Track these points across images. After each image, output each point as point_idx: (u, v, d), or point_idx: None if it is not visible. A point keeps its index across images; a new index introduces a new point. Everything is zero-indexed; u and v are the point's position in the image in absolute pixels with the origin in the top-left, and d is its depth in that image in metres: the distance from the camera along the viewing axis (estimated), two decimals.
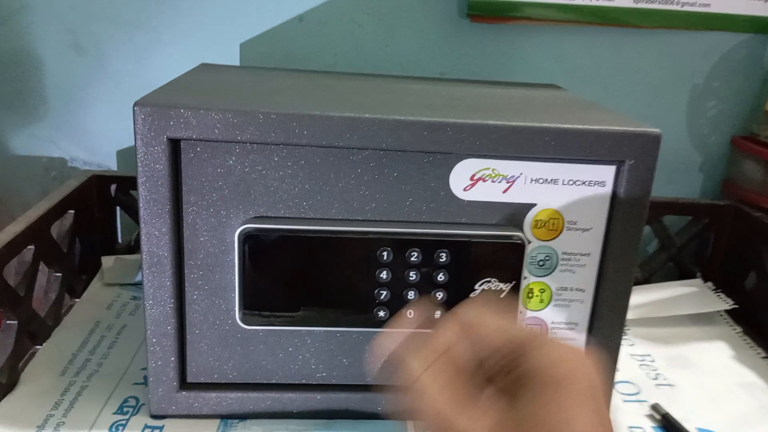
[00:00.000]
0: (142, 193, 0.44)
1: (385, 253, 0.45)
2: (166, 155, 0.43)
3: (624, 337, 0.67)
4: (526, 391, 0.31)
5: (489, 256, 0.46)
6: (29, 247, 0.55)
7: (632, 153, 0.45)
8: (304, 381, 0.50)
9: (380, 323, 0.47)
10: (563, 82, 0.72)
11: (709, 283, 0.75)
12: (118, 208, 0.74)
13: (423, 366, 0.34)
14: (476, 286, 0.46)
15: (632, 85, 0.77)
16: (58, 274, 0.62)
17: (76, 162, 0.77)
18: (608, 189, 0.47)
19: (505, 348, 0.34)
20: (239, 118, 0.42)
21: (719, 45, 0.76)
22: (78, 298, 0.66)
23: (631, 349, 0.65)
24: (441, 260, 0.45)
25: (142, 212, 0.44)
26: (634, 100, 0.77)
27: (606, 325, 0.49)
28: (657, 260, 0.78)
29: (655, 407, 0.55)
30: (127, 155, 0.76)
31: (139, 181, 0.44)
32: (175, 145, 0.44)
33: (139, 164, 0.43)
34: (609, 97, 0.76)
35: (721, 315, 0.72)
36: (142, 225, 0.45)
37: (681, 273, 0.78)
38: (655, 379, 0.60)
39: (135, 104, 0.42)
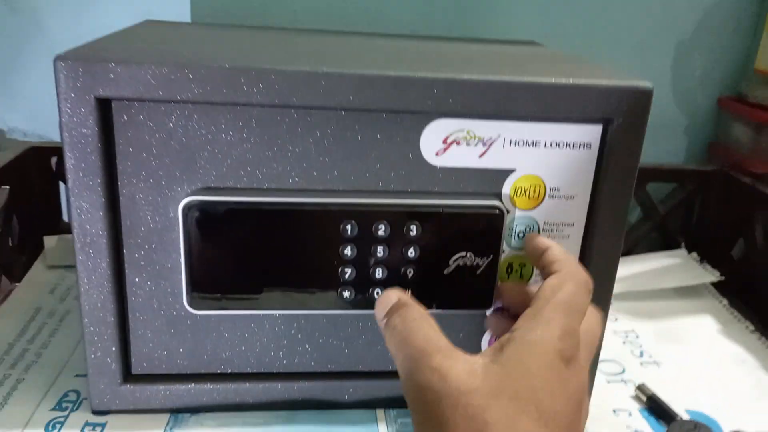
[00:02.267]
0: (69, 162, 0.38)
1: (349, 227, 0.40)
2: (95, 117, 0.37)
3: None
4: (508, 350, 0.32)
5: (464, 228, 0.41)
6: None
7: (621, 111, 0.41)
8: (262, 369, 0.46)
9: (345, 304, 0.42)
10: (543, 39, 0.68)
11: (694, 254, 0.72)
12: (60, 182, 0.68)
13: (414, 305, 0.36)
14: (450, 262, 0.42)
15: (615, 42, 0.72)
16: None
17: (15, 133, 0.70)
18: (594, 152, 0.43)
19: None
20: (178, 72, 0.37)
21: None
22: (17, 282, 0.61)
23: (614, 325, 0.62)
24: (411, 234, 0.41)
25: (70, 184, 0.39)
26: (617, 57, 0.73)
27: (591, 301, 0.45)
28: (640, 230, 0.74)
29: (641, 388, 0.51)
30: None
31: (65, 148, 0.38)
32: (105, 105, 0.38)
33: (64, 128, 0.38)
34: (590, 55, 0.72)
35: (706, 287, 0.69)
36: (72, 199, 0.39)
37: (665, 243, 0.75)
38: (640, 356, 0.57)
39: (56, 58, 0.36)
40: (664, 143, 0.77)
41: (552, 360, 0.31)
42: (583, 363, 0.33)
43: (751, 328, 0.62)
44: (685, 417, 0.49)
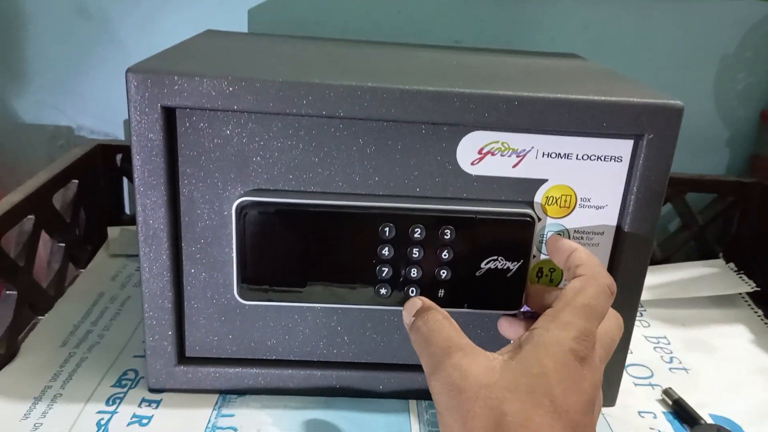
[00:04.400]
0: (136, 163, 0.42)
1: (387, 229, 0.43)
2: (161, 124, 0.41)
3: (639, 317, 0.65)
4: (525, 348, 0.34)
5: (496, 234, 0.44)
6: (29, 216, 0.54)
7: (652, 127, 0.43)
8: (304, 357, 0.49)
9: (382, 300, 0.45)
10: (585, 52, 0.69)
11: (731, 264, 0.72)
12: (124, 178, 0.73)
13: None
14: (482, 265, 0.44)
15: (658, 56, 0.73)
16: (61, 245, 0.61)
17: (83, 131, 0.76)
18: (625, 165, 0.44)
19: None
20: (235, 85, 0.41)
21: (751, 14, 0.72)
22: (83, 268, 0.66)
23: (645, 331, 0.63)
24: (446, 237, 0.43)
25: (136, 183, 0.43)
26: (660, 72, 0.74)
27: (619, 306, 0.47)
28: (678, 239, 0.75)
29: (667, 392, 0.53)
30: None
31: (133, 150, 0.42)
32: (170, 113, 0.42)
33: (133, 133, 0.42)
34: (633, 69, 0.73)
35: (742, 297, 0.69)
36: (138, 196, 0.43)
37: (703, 253, 0.76)
38: (670, 362, 0.58)
39: (128, 70, 0.40)
40: (706, 155, 0.77)
41: (567, 359, 0.33)
42: (598, 363, 0.35)
43: None
44: (709, 422, 0.50)
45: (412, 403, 0.50)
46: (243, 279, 0.44)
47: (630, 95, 0.43)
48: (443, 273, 0.44)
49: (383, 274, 0.44)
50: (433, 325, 0.37)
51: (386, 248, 0.44)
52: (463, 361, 0.34)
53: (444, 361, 0.34)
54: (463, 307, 0.45)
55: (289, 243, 0.44)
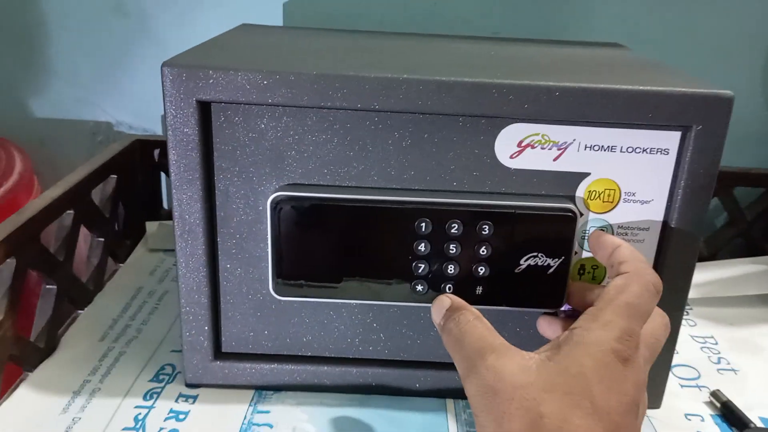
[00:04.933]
0: (172, 158, 0.42)
1: (423, 225, 0.42)
2: (196, 118, 0.41)
3: (685, 317, 0.63)
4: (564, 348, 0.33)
5: (536, 229, 0.43)
6: (68, 211, 0.55)
7: (700, 118, 0.41)
8: (339, 354, 0.49)
9: (418, 297, 0.44)
10: (631, 42, 0.67)
11: None
12: (162, 173, 0.73)
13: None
14: (521, 261, 0.43)
15: (701, 48, 0.70)
16: (100, 239, 0.61)
17: (122, 126, 0.76)
18: (672, 158, 0.43)
19: None
20: (270, 79, 0.40)
21: None
22: (121, 263, 0.67)
23: (692, 330, 0.61)
24: (484, 233, 0.42)
25: (172, 178, 0.43)
26: (703, 64, 0.71)
27: (665, 305, 0.45)
28: (725, 235, 0.73)
29: (715, 394, 0.51)
30: None
31: (169, 145, 0.42)
32: (205, 108, 0.42)
33: (169, 128, 0.42)
34: (676, 60, 0.70)
35: None
36: (174, 191, 0.43)
37: (750, 249, 0.73)
38: (717, 363, 0.56)
39: (163, 64, 0.40)
40: (754, 149, 0.74)
41: (608, 359, 0.32)
42: (642, 363, 0.34)
43: None
44: (759, 425, 0.48)
45: (450, 402, 0.49)
46: (278, 274, 0.44)
47: (677, 85, 0.41)
48: (481, 270, 0.43)
49: (419, 271, 0.43)
50: (464, 326, 0.36)
51: (423, 244, 0.43)
52: (498, 363, 0.33)
53: (477, 363, 0.33)
54: (501, 305, 0.44)
55: (324, 238, 0.43)
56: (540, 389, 0.31)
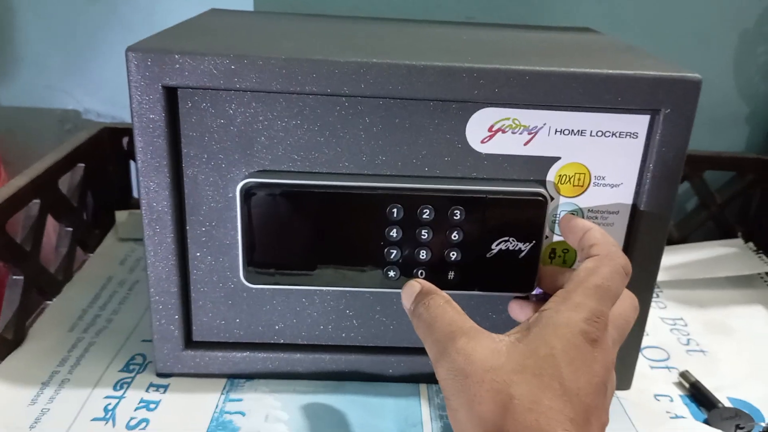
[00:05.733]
0: (138, 145, 0.42)
1: (395, 210, 0.42)
2: (162, 104, 0.40)
3: (656, 299, 0.63)
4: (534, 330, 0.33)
5: (508, 214, 0.43)
6: (35, 201, 0.54)
7: (669, 101, 0.41)
8: (312, 341, 0.48)
9: (391, 283, 0.44)
10: (601, 26, 0.67)
11: (750, 244, 0.71)
12: (131, 161, 0.72)
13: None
14: (493, 246, 0.43)
15: (676, 30, 0.71)
16: (68, 229, 0.60)
17: (90, 114, 0.75)
18: (641, 141, 0.43)
19: None
20: (238, 63, 0.39)
21: None
22: (91, 252, 0.66)
23: (662, 312, 0.62)
24: (455, 218, 0.42)
25: (139, 165, 0.42)
26: (678, 46, 0.72)
27: (634, 287, 0.46)
28: (696, 218, 0.74)
29: (684, 375, 0.52)
30: None
31: (135, 132, 0.41)
32: (171, 93, 0.41)
33: (134, 114, 0.41)
34: (651, 43, 0.71)
35: (761, 277, 0.68)
36: (141, 179, 0.43)
37: (721, 232, 0.74)
38: (687, 344, 0.57)
39: (128, 49, 0.39)
40: (725, 132, 0.75)
41: (577, 340, 0.32)
42: (610, 345, 0.34)
43: None
44: (727, 405, 0.49)
45: (423, 386, 0.49)
46: (249, 262, 0.44)
47: (646, 68, 0.41)
48: (453, 255, 0.43)
49: (392, 257, 0.43)
50: (434, 311, 0.36)
51: (394, 230, 0.43)
52: (468, 345, 0.33)
53: (448, 347, 0.33)
54: (473, 290, 0.44)
55: (295, 225, 0.43)
56: (510, 371, 0.31)
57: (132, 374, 0.49)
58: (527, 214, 0.43)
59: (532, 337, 0.33)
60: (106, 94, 0.74)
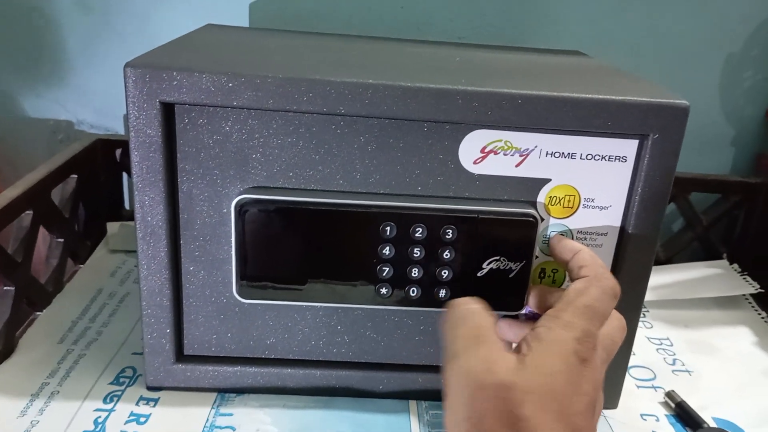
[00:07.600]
0: (135, 159, 0.42)
1: (388, 228, 0.43)
2: (159, 120, 0.41)
3: (642, 319, 0.64)
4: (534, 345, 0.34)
5: (499, 234, 0.43)
6: (27, 211, 0.54)
7: (657, 126, 0.42)
8: (303, 357, 0.49)
9: (382, 300, 0.44)
10: (590, 48, 0.68)
11: (735, 265, 0.72)
12: (124, 173, 0.72)
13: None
14: (484, 265, 0.44)
15: (663, 52, 0.72)
16: (60, 240, 0.60)
17: (83, 125, 0.75)
18: (630, 165, 0.44)
19: None
20: (235, 81, 0.40)
21: (758, 11, 0.71)
22: (82, 264, 0.65)
23: (648, 332, 0.63)
24: (447, 237, 0.43)
25: (135, 179, 0.42)
26: (665, 69, 0.73)
27: (622, 307, 0.46)
28: (681, 239, 0.75)
29: (670, 394, 0.52)
30: None
31: (132, 146, 0.42)
32: (168, 109, 0.41)
33: (132, 129, 0.41)
34: (638, 65, 0.72)
35: (746, 299, 0.69)
36: (136, 193, 0.43)
37: (707, 253, 0.75)
38: (673, 364, 0.58)
39: (126, 65, 0.40)
40: (711, 154, 0.77)
41: (569, 360, 0.33)
42: (599, 364, 0.35)
43: None
44: (712, 425, 0.49)
45: (412, 403, 0.49)
46: (242, 277, 0.44)
47: (635, 94, 0.42)
48: (444, 273, 0.44)
49: (384, 274, 0.44)
50: (472, 308, 0.37)
51: (387, 247, 0.43)
52: (491, 356, 0.33)
53: (469, 349, 0.34)
54: None
55: (289, 241, 0.43)
56: (521, 391, 0.31)
57: (122, 387, 0.49)
58: (518, 234, 0.43)
59: (534, 355, 0.33)
60: (98, 105, 0.74)
